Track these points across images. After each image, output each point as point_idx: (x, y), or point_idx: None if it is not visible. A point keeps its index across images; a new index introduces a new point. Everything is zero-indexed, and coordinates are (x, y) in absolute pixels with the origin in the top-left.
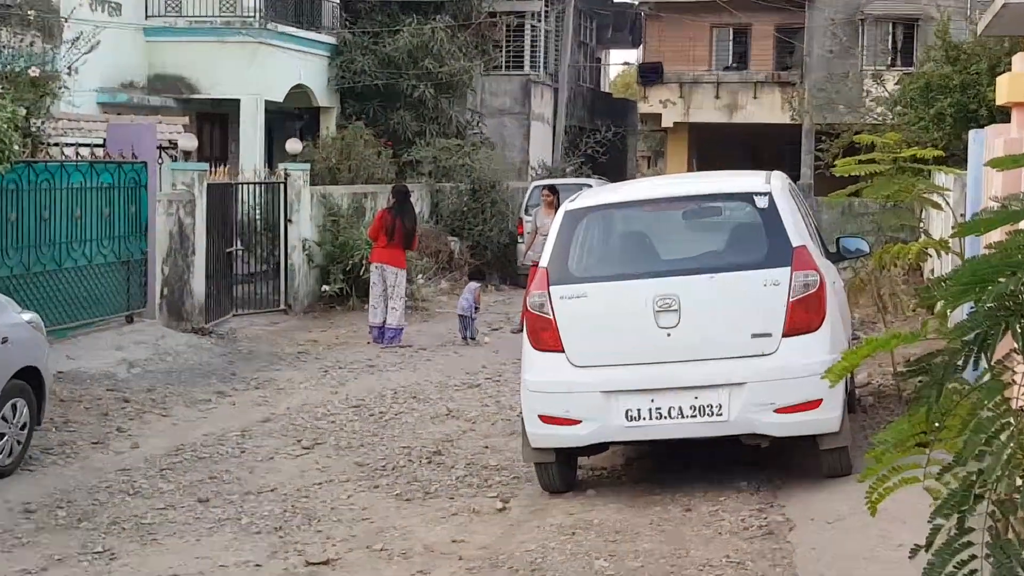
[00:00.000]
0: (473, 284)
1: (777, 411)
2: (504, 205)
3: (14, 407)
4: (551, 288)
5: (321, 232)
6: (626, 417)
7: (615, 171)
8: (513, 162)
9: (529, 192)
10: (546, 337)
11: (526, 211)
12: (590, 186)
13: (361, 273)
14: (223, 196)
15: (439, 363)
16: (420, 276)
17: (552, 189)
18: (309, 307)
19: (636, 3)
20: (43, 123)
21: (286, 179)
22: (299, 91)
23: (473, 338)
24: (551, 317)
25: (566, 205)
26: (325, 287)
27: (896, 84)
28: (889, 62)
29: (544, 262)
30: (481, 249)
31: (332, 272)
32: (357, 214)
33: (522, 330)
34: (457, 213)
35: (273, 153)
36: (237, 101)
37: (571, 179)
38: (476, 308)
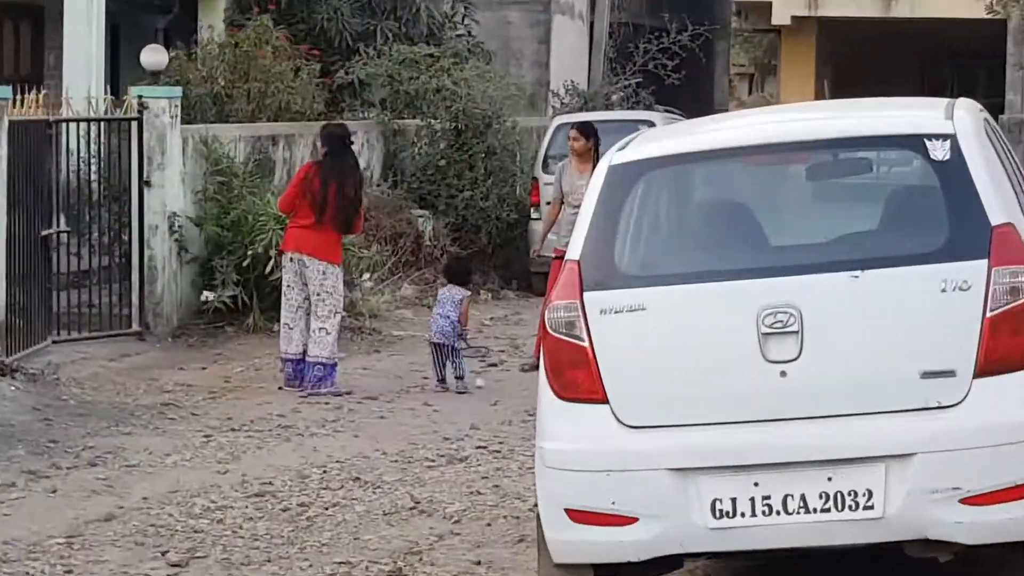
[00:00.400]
0: (455, 291)
1: (966, 501)
2: (508, 156)
3: None
4: (587, 295)
5: (201, 203)
6: (713, 512)
7: (694, 99)
8: (523, 84)
9: (550, 134)
10: (578, 378)
11: (545, 166)
12: (652, 124)
13: (268, 272)
14: (35, 142)
15: (399, 422)
16: (367, 276)
17: (586, 130)
18: (182, 328)
19: None
20: None
21: (142, 113)
22: None
23: (460, 378)
24: (586, 344)
25: (612, 156)
26: (208, 295)
27: None
28: None
29: (575, 252)
30: (470, 231)
31: (220, 269)
32: (262, 172)
33: (538, 367)
34: (429, 170)
35: (120, 70)
36: None
37: (620, 113)
38: (462, 333)
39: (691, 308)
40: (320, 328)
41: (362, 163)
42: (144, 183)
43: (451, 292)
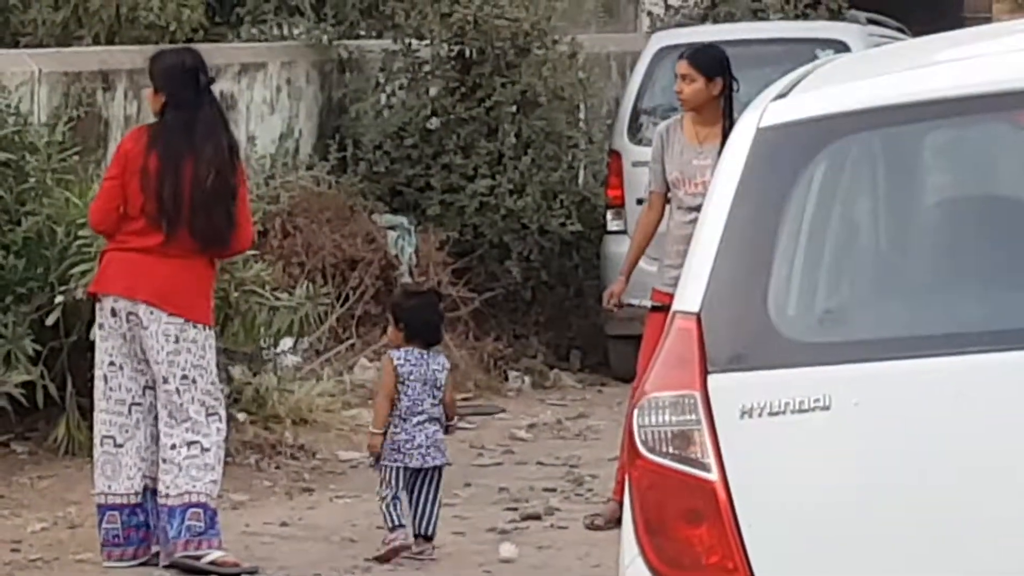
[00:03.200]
0: (433, 360)
1: None
2: (563, 111)
3: None
4: (714, 381)
5: None
6: None
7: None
8: None
9: (645, 67)
10: (698, 542)
11: (635, 130)
12: (845, 47)
13: (91, 334)
14: None
15: None
16: (287, 345)
17: (708, 60)
18: None
19: None
20: None
21: None
22: None
23: (428, 538)
24: (714, 476)
25: (764, 110)
26: None
27: None
28: None
29: (692, 298)
30: (489, 256)
31: (2, 332)
32: (84, 141)
33: (621, 520)
34: (410, 139)
35: None
36: None
37: (779, 27)
38: (440, 441)
39: (929, 406)
40: (191, 443)
41: (276, 124)
42: None
43: (425, 362)
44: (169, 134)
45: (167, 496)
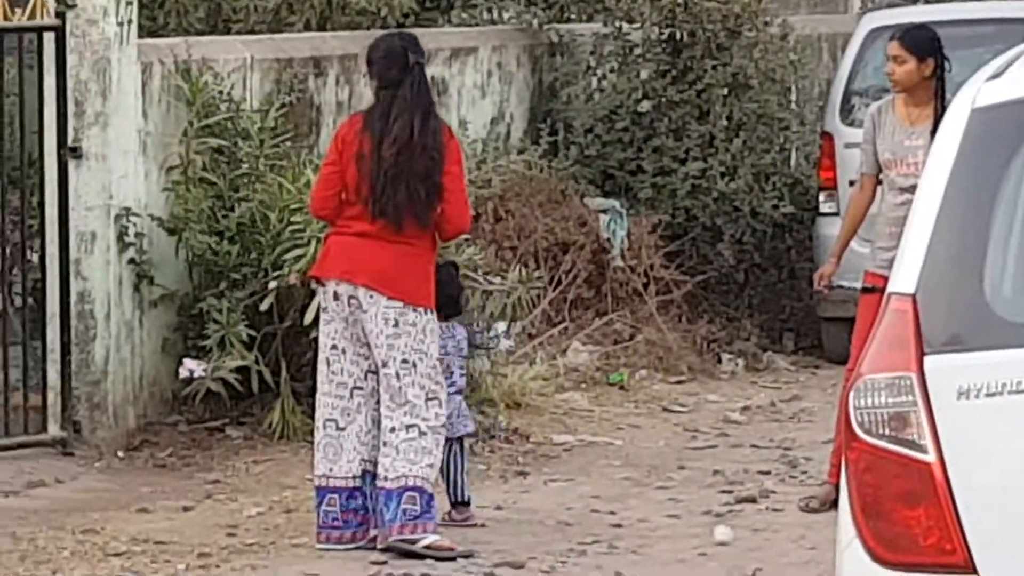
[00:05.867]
0: (456, 330)
1: None
2: (774, 93)
3: None
4: (931, 362)
5: (179, 191)
6: None
7: None
8: None
9: (856, 48)
10: (917, 524)
11: (847, 112)
12: None
13: (310, 321)
14: None
15: None
16: (501, 328)
17: (919, 41)
18: (144, 431)
19: None
20: None
21: (63, 20)
22: None
23: (466, 504)
24: (931, 458)
25: (978, 91)
26: (194, 366)
27: None
28: None
29: (906, 279)
30: (701, 239)
31: (216, 318)
32: (295, 127)
33: (838, 502)
34: (620, 123)
35: None
36: None
37: (994, 5)
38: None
39: None
40: (409, 426)
41: (487, 108)
42: (68, 152)
43: (452, 334)
44: (373, 116)
45: (385, 479)
